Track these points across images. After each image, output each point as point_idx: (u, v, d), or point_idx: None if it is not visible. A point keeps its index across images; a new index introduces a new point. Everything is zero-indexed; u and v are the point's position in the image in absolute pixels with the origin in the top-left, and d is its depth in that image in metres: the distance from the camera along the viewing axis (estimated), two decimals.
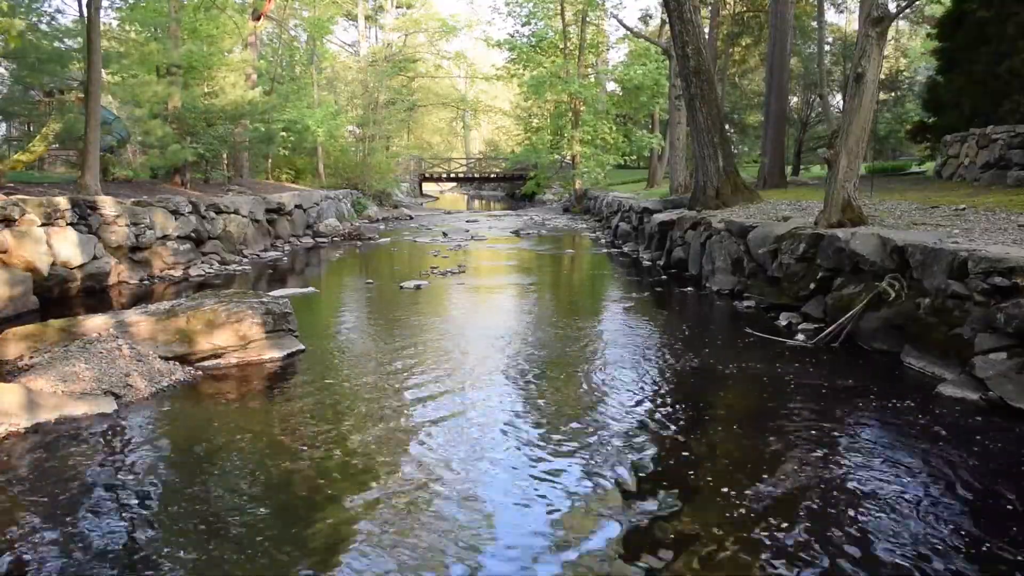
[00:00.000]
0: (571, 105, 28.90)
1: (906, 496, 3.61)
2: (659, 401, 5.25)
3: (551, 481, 3.85)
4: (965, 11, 14.21)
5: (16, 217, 8.44)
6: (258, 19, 21.97)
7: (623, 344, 6.91)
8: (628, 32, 28.90)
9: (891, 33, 20.00)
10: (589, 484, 3.82)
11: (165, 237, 11.65)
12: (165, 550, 3.16)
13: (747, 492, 3.68)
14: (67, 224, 9.35)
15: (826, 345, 6.59)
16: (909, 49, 31.42)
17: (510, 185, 42.48)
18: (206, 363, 5.99)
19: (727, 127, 21.26)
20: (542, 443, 4.40)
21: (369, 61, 33.74)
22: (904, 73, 29.62)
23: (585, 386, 5.61)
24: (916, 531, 3.27)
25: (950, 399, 4.98)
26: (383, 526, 3.37)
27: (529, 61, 29.87)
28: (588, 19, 30.08)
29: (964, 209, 8.71)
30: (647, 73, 27.93)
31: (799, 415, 4.84)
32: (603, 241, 17.77)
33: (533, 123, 35.41)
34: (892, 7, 8.25)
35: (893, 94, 28.16)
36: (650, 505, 3.58)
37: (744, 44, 30.10)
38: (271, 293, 8.24)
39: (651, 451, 4.27)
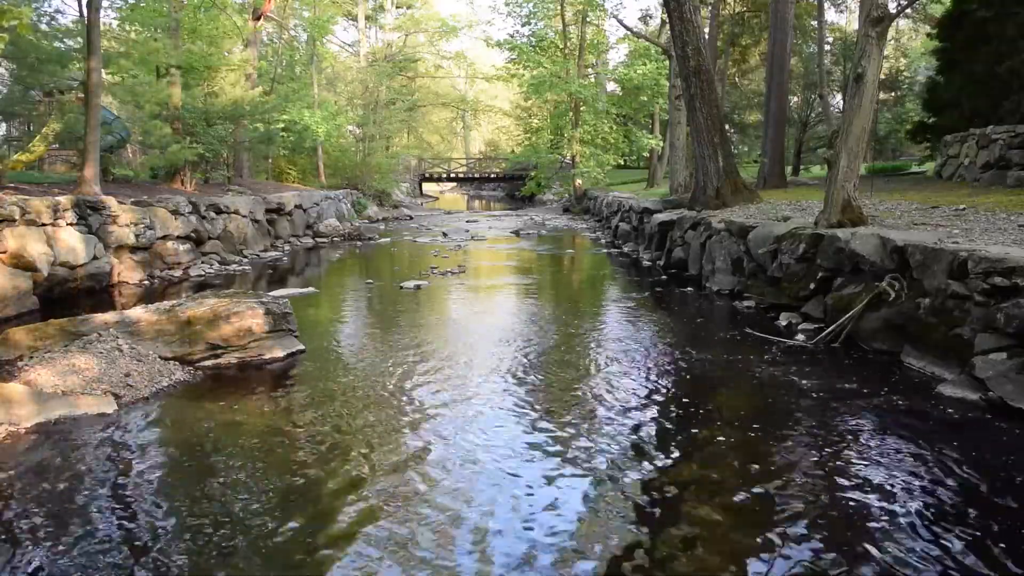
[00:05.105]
0: (571, 105, 28.91)
1: (906, 497, 3.61)
2: (658, 401, 5.25)
3: (551, 481, 3.85)
4: (965, 11, 14.20)
5: (16, 217, 8.44)
6: (258, 19, 21.95)
7: (623, 344, 6.91)
8: (628, 32, 28.91)
9: (891, 33, 20.02)
10: (589, 485, 3.82)
11: (165, 237, 11.67)
12: (165, 550, 3.16)
13: (746, 492, 3.68)
14: (67, 224, 9.35)
15: (826, 345, 6.59)
16: (909, 49, 31.45)
17: (510, 185, 42.49)
18: (206, 363, 6.00)
19: (727, 127, 21.27)
20: (542, 442, 4.40)
21: (369, 61, 33.75)
22: (904, 73, 29.65)
23: (585, 387, 5.61)
24: (915, 532, 3.27)
25: (950, 399, 4.98)
26: (384, 527, 3.37)
27: (529, 61, 29.88)
28: (588, 19, 30.12)
29: (964, 209, 8.70)
30: (647, 73, 27.94)
31: (799, 415, 4.85)
32: (603, 241, 17.77)
33: (533, 123, 35.43)
34: (892, 7, 8.25)
35: (893, 94, 28.19)
36: (650, 504, 3.59)
37: (744, 44, 30.12)
38: (271, 293, 8.25)
39: (650, 451, 4.27)
